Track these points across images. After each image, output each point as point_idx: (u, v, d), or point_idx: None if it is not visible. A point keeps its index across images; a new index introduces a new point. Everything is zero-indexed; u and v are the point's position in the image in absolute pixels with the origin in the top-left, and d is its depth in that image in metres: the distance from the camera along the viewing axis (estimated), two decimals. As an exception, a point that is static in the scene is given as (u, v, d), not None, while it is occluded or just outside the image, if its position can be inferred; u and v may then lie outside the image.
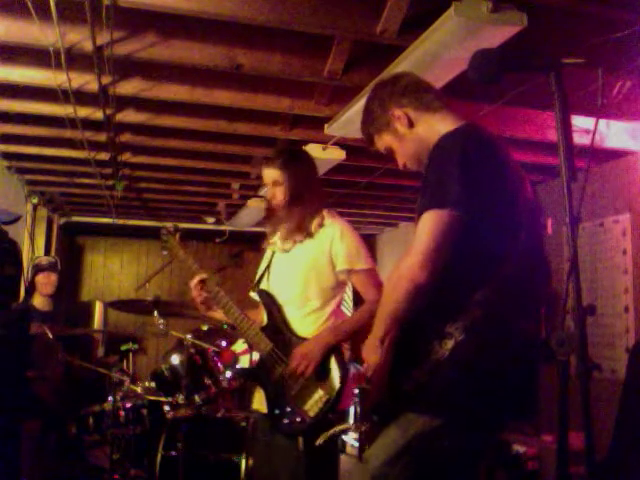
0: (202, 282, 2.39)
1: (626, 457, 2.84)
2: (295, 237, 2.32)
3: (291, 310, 2.31)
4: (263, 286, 2.42)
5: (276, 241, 2.42)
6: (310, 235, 2.30)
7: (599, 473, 2.68)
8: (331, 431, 2.11)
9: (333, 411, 2.14)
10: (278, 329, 2.30)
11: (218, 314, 2.43)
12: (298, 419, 2.16)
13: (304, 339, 2.25)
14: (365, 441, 2.05)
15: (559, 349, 1.24)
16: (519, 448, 3.58)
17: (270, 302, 2.34)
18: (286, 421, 2.17)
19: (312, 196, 2.33)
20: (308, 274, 2.28)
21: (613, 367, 3.76)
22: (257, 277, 2.48)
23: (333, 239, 2.27)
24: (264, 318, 2.36)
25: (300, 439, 2.14)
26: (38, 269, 4.23)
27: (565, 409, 1.27)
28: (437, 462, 1.56)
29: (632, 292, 3.71)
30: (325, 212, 2.35)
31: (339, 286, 2.34)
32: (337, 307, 2.34)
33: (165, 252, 2.56)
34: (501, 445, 3.57)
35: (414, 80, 1.80)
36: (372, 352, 1.63)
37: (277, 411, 2.20)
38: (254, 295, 2.48)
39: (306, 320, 2.29)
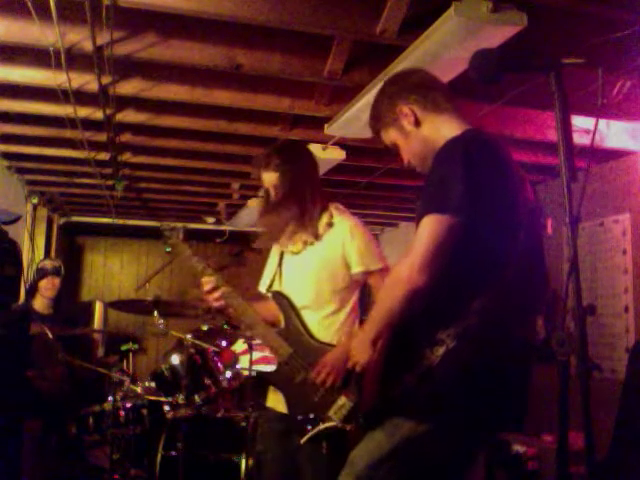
0: (214, 286, 2.31)
1: (626, 457, 2.84)
2: (303, 238, 2.28)
3: (308, 313, 2.27)
4: (276, 288, 2.36)
5: (284, 242, 2.35)
6: (320, 236, 2.25)
7: (599, 473, 2.68)
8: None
9: (358, 416, 2.09)
10: (297, 333, 2.25)
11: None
12: (322, 425, 2.13)
13: (324, 344, 2.21)
14: (350, 441, 2.06)
15: (559, 349, 1.24)
16: (519, 448, 3.58)
17: (287, 305, 2.29)
18: (309, 427, 2.14)
19: (309, 192, 2.28)
20: (321, 277, 2.24)
21: (613, 367, 3.75)
22: (268, 277, 2.42)
23: (344, 240, 2.23)
24: (280, 319, 2.30)
25: (324, 444, 2.11)
26: (42, 273, 4.22)
27: (565, 409, 1.27)
28: (422, 467, 1.57)
29: (632, 292, 3.71)
30: (332, 208, 2.30)
31: (354, 286, 2.30)
32: (354, 307, 2.30)
33: (169, 249, 2.49)
34: (501, 445, 3.57)
35: (425, 77, 1.79)
36: (362, 351, 1.63)
37: (300, 417, 2.17)
38: (263, 289, 2.43)
39: (324, 323, 2.25)
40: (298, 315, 2.27)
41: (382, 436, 1.55)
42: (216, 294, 2.29)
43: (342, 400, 2.14)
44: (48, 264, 4.33)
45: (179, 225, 2.52)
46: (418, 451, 1.53)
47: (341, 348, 2.17)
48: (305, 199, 2.25)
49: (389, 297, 1.55)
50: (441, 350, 1.47)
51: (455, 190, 1.45)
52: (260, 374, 3.29)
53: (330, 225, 2.26)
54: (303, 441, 2.12)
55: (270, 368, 2.33)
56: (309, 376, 2.17)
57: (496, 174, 1.54)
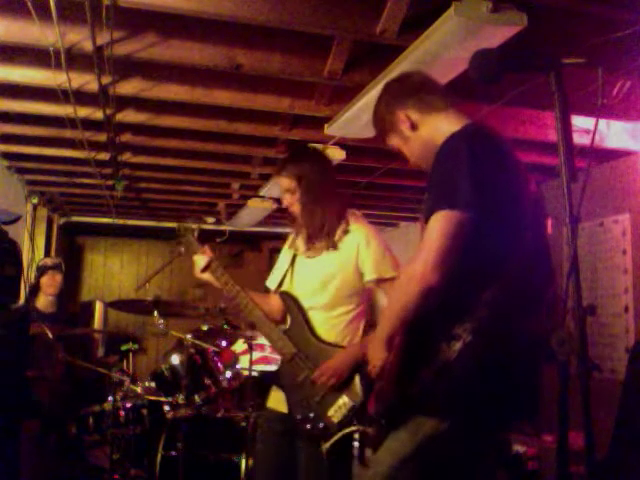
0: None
1: (626, 457, 2.84)
2: (319, 243, 2.29)
3: (315, 314, 2.28)
4: (285, 288, 2.38)
5: (299, 245, 2.38)
6: (336, 243, 2.26)
7: (599, 473, 2.68)
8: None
9: (357, 418, 2.12)
10: (302, 333, 2.27)
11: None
12: (321, 425, 2.14)
13: (328, 344, 2.23)
14: (367, 443, 2.06)
15: (559, 349, 1.23)
16: (519, 448, 3.58)
17: (294, 306, 2.31)
18: (309, 426, 2.16)
19: (330, 199, 2.29)
20: (333, 282, 2.25)
21: (613, 367, 3.75)
22: (279, 277, 2.43)
23: (359, 247, 2.24)
24: (287, 319, 2.33)
25: (323, 448, 2.11)
26: (43, 270, 4.21)
27: (565, 409, 1.27)
28: (446, 464, 1.56)
29: (632, 292, 3.71)
30: (350, 216, 2.32)
31: (365, 292, 2.31)
32: (362, 311, 2.32)
33: (182, 249, 2.50)
34: (501, 445, 3.57)
35: (419, 80, 1.80)
36: (378, 351, 1.63)
37: (299, 416, 2.18)
38: (271, 287, 2.45)
39: (330, 323, 2.27)
40: (305, 316, 2.28)
41: (405, 435, 1.55)
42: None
43: (343, 399, 2.15)
44: (48, 261, 4.32)
45: (194, 225, 2.51)
46: (442, 449, 1.53)
47: (345, 353, 2.19)
48: (320, 207, 2.26)
49: (403, 295, 1.55)
50: (458, 345, 1.47)
51: (462, 185, 1.46)
52: (263, 373, 3.30)
53: (346, 232, 2.27)
54: (325, 447, 2.11)
55: (271, 368, 2.34)
56: (311, 376, 2.19)
57: (499, 167, 1.55)
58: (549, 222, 1.69)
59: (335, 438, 2.12)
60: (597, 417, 1.27)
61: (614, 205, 3.91)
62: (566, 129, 1.31)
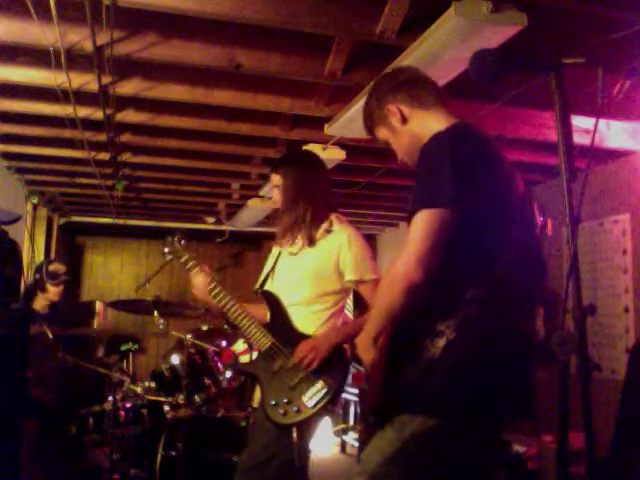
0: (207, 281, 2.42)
1: (626, 457, 2.84)
2: (299, 239, 2.37)
3: (295, 310, 2.36)
4: (267, 287, 2.46)
5: (283, 243, 2.46)
6: (316, 241, 2.34)
7: (599, 473, 2.67)
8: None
9: (332, 403, 2.20)
10: (281, 326, 2.35)
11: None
12: (294, 409, 2.19)
13: (307, 335, 2.29)
14: (362, 441, 2.07)
15: (559, 349, 1.24)
16: (519, 448, 3.58)
17: (274, 303, 2.39)
18: (281, 411, 2.20)
19: (312, 198, 2.36)
20: (313, 280, 2.32)
21: (613, 367, 3.75)
22: (262, 276, 2.52)
23: (341, 247, 2.31)
24: (267, 315, 2.41)
25: (294, 430, 2.17)
26: (57, 280, 4.17)
27: (565, 409, 1.27)
28: (434, 463, 1.56)
29: (632, 292, 3.71)
30: (333, 217, 2.39)
31: (344, 291, 2.39)
32: (340, 310, 2.39)
33: (168, 253, 2.55)
34: (497, 443, 3.57)
35: (412, 75, 1.81)
36: (367, 351, 1.64)
37: (273, 402, 2.23)
38: (257, 291, 2.53)
39: (310, 318, 2.33)
40: (284, 311, 2.36)
41: (392, 433, 1.55)
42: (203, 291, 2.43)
43: (318, 386, 2.21)
44: (61, 271, 4.26)
45: (178, 236, 2.55)
46: (429, 447, 1.53)
47: (322, 337, 2.27)
48: (299, 205, 2.35)
49: (387, 295, 1.55)
50: (441, 342, 1.47)
51: (443, 183, 1.46)
52: (239, 366, 3.32)
53: (328, 232, 2.35)
54: (295, 431, 2.15)
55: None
56: (288, 363, 2.25)
57: (484, 166, 1.55)
58: (549, 222, 1.69)
59: (301, 418, 2.16)
60: (597, 417, 1.27)
61: (614, 205, 3.91)
62: (566, 129, 1.31)
